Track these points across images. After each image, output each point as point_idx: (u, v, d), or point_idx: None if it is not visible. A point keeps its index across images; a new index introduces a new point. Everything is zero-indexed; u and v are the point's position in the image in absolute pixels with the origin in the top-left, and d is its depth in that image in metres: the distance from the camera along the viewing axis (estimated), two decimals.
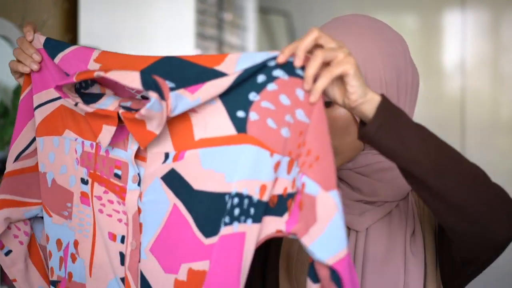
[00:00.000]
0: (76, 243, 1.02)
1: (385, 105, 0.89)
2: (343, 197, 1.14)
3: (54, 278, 1.03)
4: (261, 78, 0.88)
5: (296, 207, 0.88)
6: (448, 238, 1.03)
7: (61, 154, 1.02)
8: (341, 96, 0.90)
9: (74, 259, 1.02)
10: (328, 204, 0.86)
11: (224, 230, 0.89)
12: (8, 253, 1.04)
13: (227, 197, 0.89)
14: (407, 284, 1.09)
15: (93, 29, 2.27)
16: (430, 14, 3.73)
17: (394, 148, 0.90)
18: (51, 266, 1.03)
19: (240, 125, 0.89)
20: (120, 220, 0.97)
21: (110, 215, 0.98)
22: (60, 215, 1.03)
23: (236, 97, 0.89)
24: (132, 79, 0.88)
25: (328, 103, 1.06)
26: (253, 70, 0.87)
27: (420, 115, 4.14)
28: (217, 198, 0.90)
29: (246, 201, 0.89)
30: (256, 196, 0.88)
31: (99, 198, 0.99)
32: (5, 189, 1.04)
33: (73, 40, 2.30)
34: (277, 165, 0.88)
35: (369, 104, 0.89)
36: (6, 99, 1.97)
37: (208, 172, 0.90)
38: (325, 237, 0.85)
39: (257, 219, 0.89)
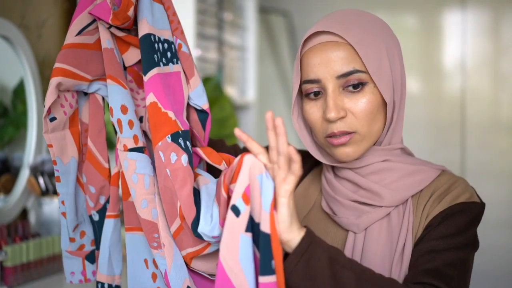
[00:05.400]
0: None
1: (301, 250, 0.96)
2: (341, 197, 1.14)
3: (140, 145, 1.09)
4: None
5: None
6: None
7: None
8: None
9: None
10: (195, 65, 1.15)
11: (164, 69, 1.09)
12: (52, 119, 1.08)
13: (152, 37, 1.09)
14: None
15: None
16: (430, 14, 3.73)
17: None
18: (135, 134, 1.09)
19: None
20: None
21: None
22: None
23: None
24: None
25: (357, 86, 1.09)
26: None
27: (420, 115, 4.15)
28: (147, 38, 1.08)
29: (173, 47, 1.12)
30: (176, 42, 1.14)
31: None
32: (61, 59, 1.08)
33: None
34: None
35: (289, 243, 0.96)
36: (5, 99, 1.97)
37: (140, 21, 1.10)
38: (200, 89, 1.14)
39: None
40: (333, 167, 1.18)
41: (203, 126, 1.15)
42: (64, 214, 1.12)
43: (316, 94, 1.11)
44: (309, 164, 1.28)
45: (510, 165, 3.58)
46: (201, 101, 1.14)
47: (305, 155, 1.30)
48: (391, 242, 1.10)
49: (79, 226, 1.15)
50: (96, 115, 1.13)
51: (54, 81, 1.06)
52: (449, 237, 1.06)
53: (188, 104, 1.15)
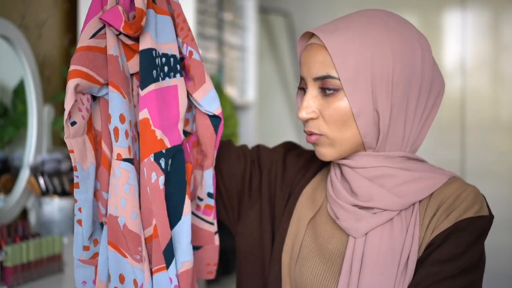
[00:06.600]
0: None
1: None
2: (342, 200, 1.14)
3: (131, 156, 1.09)
4: None
5: (186, 69, 1.18)
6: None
7: None
8: None
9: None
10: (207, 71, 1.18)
11: (162, 84, 1.10)
12: (73, 124, 1.06)
13: (154, 52, 1.09)
14: None
15: None
16: (430, 14, 3.73)
17: None
18: (129, 144, 1.08)
19: None
20: None
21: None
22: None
23: None
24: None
25: (329, 90, 1.10)
26: None
27: None
28: (148, 53, 1.09)
29: (172, 60, 1.13)
30: (178, 55, 1.14)
31: None
32: (77, 61, 1.06)
33: (73, 40, 2.30)
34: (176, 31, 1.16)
35: None
36: (5, 99, 1.97)
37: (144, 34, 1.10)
38: (212, 94, 1.18)
39: (182, 73, 1.15)
40: (340, 168, 1.17)
41: (216, 131, 1.21)
42: (79, 221, 1.09)
43: (305, 90, 1.15)
44: (318, 164, 1.27)
45: (510, 165, 3.58)
46: (213, 107, 1.19)
47: (311, 155, 1.29)
48: (392, 250, 1.09)
49: (93, 234, 1.13)
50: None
51: (72, 83, 1.04)
52: (451, 261, 1.06)
53: (199, 110, 1.20)
